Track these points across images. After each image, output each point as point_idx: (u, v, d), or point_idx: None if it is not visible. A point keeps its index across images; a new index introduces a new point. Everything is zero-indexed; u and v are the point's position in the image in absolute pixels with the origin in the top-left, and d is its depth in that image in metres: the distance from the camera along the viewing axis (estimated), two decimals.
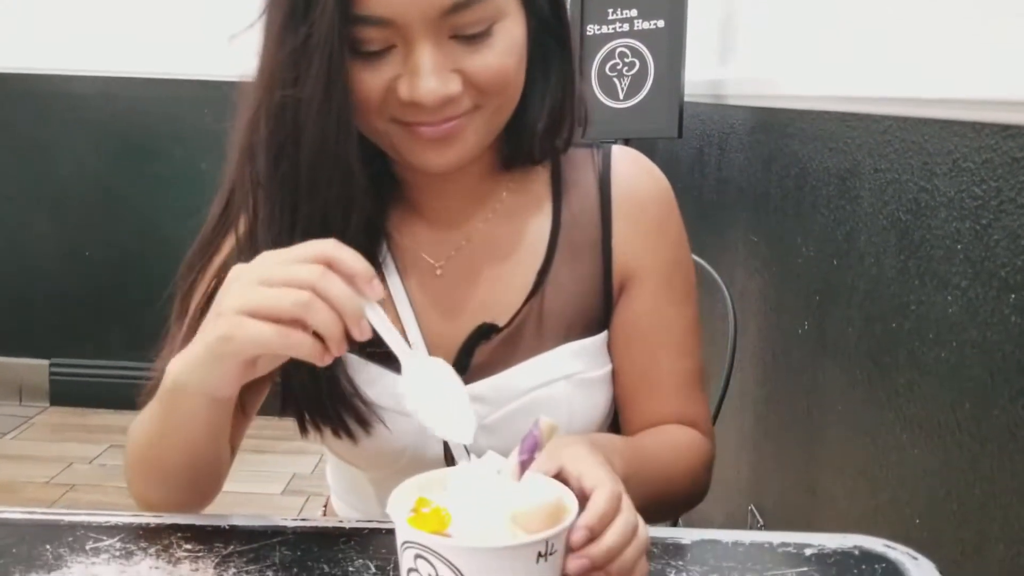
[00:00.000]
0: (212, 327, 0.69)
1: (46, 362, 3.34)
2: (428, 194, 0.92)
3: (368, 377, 0.88)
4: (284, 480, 2.79)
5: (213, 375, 0.71)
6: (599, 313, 0.94)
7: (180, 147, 3.15)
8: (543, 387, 0.89)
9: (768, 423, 1.61)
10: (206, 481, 0.85)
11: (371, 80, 0.78)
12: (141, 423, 0.85)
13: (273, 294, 0.66)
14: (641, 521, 0.67)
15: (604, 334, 0.94)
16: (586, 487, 0.65)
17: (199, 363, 0.71)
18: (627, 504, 0.66)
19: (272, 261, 0.68)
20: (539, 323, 0.91)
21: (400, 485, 0.65)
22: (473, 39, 0.78)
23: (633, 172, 0.96)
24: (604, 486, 0.64)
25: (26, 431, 3.20)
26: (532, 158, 0.92)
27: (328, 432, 0.88)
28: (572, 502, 0.64)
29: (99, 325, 3.29)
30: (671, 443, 0.94)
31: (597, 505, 0.63)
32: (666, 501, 0.91)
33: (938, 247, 0.92)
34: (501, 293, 0.92)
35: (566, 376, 0.90)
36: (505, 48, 0.79)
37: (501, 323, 0.90)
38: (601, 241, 0.93)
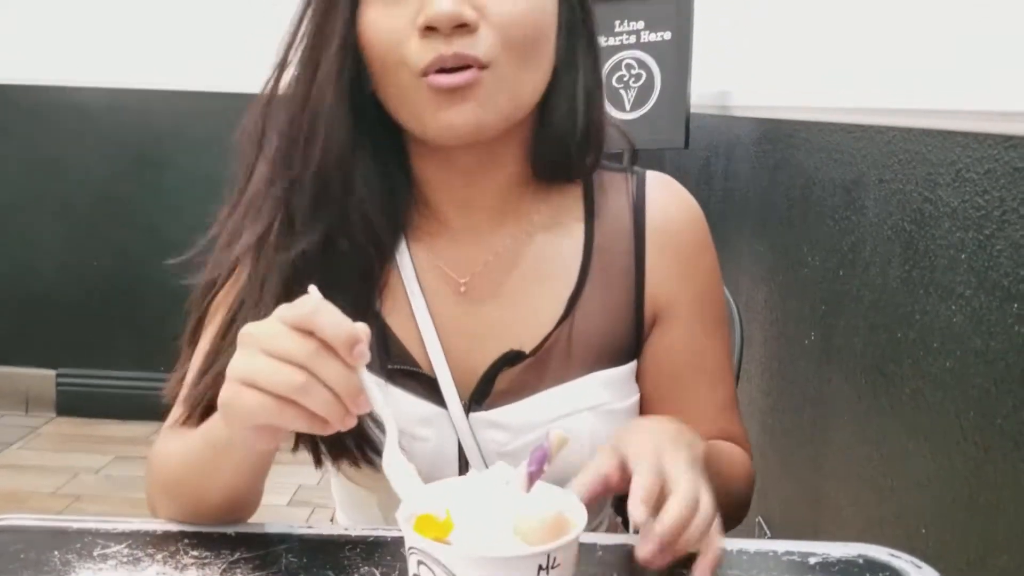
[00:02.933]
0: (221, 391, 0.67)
1: (53, 372, 3.35)
2: (454, 205, 0.89)
3: (394, 401, 0.84)
4: (290, 491, 2.79)
5: (241, 437, 0.68)
6: (628, 343, 0.90)
7: (187, 158, 3.16)
8: (566, 417, 0.85)
9: (774, 433, 1.61)
10: (241, 511, 0.82)
11: (389, 21, 0.77)
12: (176, 454, 0.82)
13: (269, 370, 0.63)
14: (706, 494, 0.67)
15: (632, 364, 0.90)
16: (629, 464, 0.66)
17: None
18: (682, 477, 0.66)
19: (270, 326, 0.65)
20: (567, 350, 0.87)
21: (410, 491, 0.65)
22: None
23: (667, 200, 0.93)
24: (642, 461, 0.65)
25: (32, 441, 3.21)
26: (563, 173, 0.90)
27: (345, 463, 0.85)
28: (580, 516, 0.63)
29: (106, 335, 3.30)
30: (728, 449, 0.92)
31: (639, 486, 0.64)
32: (729, 502, 0.87)
33: (942, 257, 0.92)
34: (528, 316, 0.88)
35: (591, 407, 0.86)
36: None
37: (528, 348, 0.86)
38: (634, 269, 0.90)
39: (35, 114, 3.19)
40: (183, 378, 0.90)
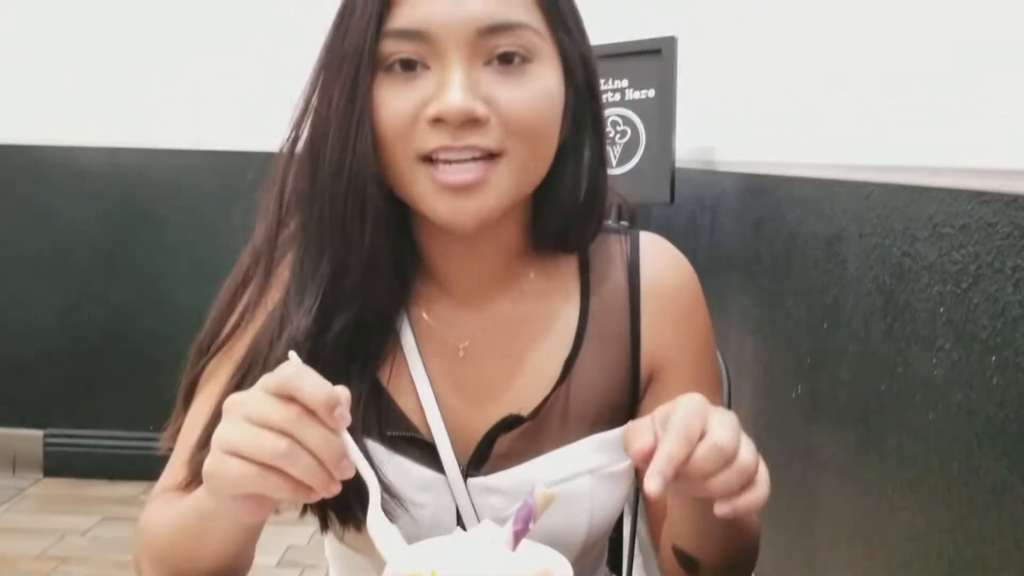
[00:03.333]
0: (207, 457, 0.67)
1: (40, 432, 3.33)
2: (453, 271, 0.89)
3: (393, 467, 0.85)
4: (279, 552, 2.76)
5: (226, 508, 0.68)
6: (625, 404, 0.91)
7: (182, 217, 3.18)
8: (566, 481, 0.86)
9: None
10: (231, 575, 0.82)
11: (399, 103, 0.77)
12: (166, 521, 0.82)
13: (252, 437, 0.63)
14: (748, 445, 0.68)
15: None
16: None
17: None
18: (713, 418, 0.67)
19: (252, 394, 0.65)
20: (564, 414, 0.88)
21: (399, 553, 0.65)
22: (506, 69, 0.77)
23: (661, 262, 0.94)
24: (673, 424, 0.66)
25: (19, 503, 3.17)
26: (563, 243, 0.90)
27: (351, 527, 0.84)
28: (564, 573, 0.64)
29: (95, 395, 3.29)
30: None
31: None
32: (735, 556, 0.88)
33: (922, 310, 0.93)
34: (526, 380, 0.89)
35: (590, 470, 0.87)
36: (539, 90, 0.79)
37: (525, 412, 0.87)
38: (629, 331, 0.91)
39: (32, 173, 3.21)
40: (177, 432, 0.90)
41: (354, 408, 0.69)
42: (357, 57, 0.77)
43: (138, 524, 0.86)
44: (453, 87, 0.75)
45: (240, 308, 0.89)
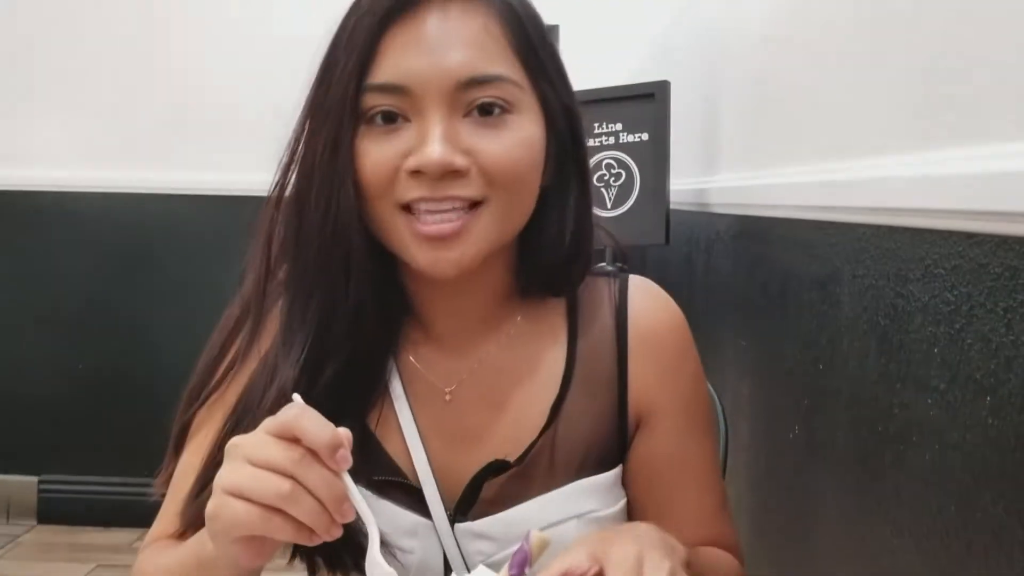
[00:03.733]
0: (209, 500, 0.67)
1: (35, 479, 3.30)
2: (440, 315, 0.90)
3: (380, 513, 0.84)
4: None
5: (226, 552, 0.68)
6: (613, 448, 0.91)
7: (176, 262, 3.18)
8: (553, 527, 0.85)
9: (764, 530, 1.59)
10: None
11: (380, 155, 0.78)
12: (162, 570, 0.82)
13: (255, 478, 0.63)
14: None
15: (618, 469, 0.91)
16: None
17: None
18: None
19: (255, 436, 0.66)
20: (551, 458, 0.88)
21: None
22: (486, 120, 0.78)
23: (650, 307, 0.94)
24: (620, 566, 0.65)
25: (13, 550, 3.14)
26: (550, 288, 0.91)
27: (339, 575, 0.85)
28: None
29: (90, 441, 3.27)
30: (716, 557, 0.91)
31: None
32: None
33: (916, 351, 0.93)
34: (513, 424, 0.89)
35: (577, 515, 0.87)
36: (518, 140, 0.80)
37: (512, 457, 0.87)
38: (617, 375, 0.91)
39: (26, 218, 3.22)
40: (169, 479, 0.89)
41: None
42: (340, 110, 0.78)
43: (131, 574, 0.86)
44: (432, 140, 0.76)
45: (231, 355, 0.89)
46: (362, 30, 0.78)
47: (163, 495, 0.91)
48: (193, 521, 0.81)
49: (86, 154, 3.17)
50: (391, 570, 0.68)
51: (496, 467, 0.86)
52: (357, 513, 0.71)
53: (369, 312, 0.83)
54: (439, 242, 0.78)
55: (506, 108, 0.79)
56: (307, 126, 0.82)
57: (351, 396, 0.85)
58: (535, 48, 0.82)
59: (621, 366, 0.91)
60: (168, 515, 0.88)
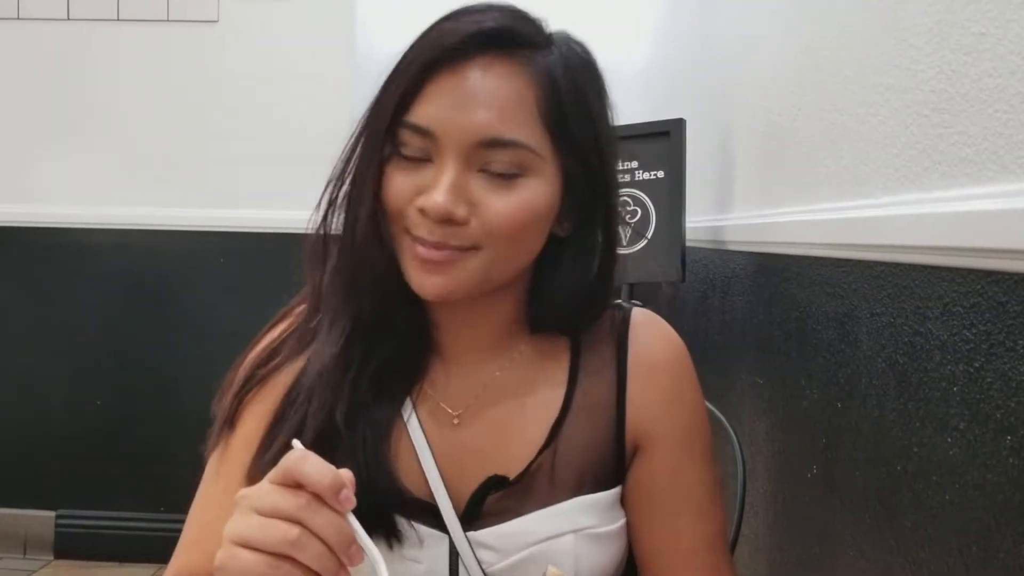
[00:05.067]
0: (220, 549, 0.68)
1: (52, 514, 3.31)
2: (448, 339, 0.95)
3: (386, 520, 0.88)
4: None
5: None
6: (611, 469, 0.94)
7: (194, 298, 3.20)
8: (550, 540, 0.89)
9: (782, 570, 1.58)
10: None
11: (401, 183, 0.85)
12: None
13: (262, 527, 0.64)
14: None
15: (617, 490, 0.94)
16: None
17: None
18: None
19: (260, 486, 0.67)
20: (551, 475, 0.91)
21: None
22: (496, 180, 0.83)
23: (650, 336, 0.97)
24: None
25: None
26: (558, 328, 0.96)
27: None
28: None
29: (107, 477, 3.27)
30: None
31: None
32: None
33: (935, 390, 0.93)
34: (514, 444, 0.93)
35: (574, 530, 0.90)
36: (523, 202, 0.84)
37: (512, 474, 0.91)
38: (615, 401, 0.94)
39: (42, 254, 3.24)
40: (221, 449, 0.93)
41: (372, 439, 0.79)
42: (377, 139, 0.85)
43: None
44: (440, 188, 0.82)
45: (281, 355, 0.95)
46: (412, 68, 0.84)
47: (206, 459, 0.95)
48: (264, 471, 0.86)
49: (105, 190, 3.21)
50: None
51: (496, 482, 0.90)
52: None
53: (401, 302, 0.89)
54: (429, 266, 0.84)
55: (519, 172, 0.84)
56: (351, 149, 0.89)
57: (376, 435, 0.90)
58: (568, 120, 0.86)
59: (620, 392, 0.95)
60: (187, 547, 0.91)
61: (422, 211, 0.82)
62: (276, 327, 0.99)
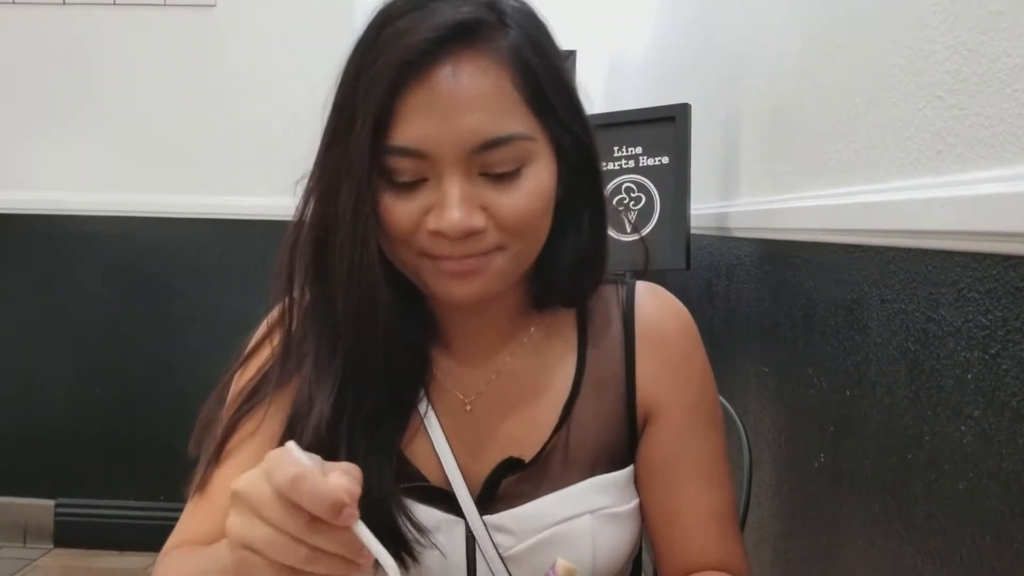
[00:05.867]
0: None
1: (51, 503, 3.30)
2: (459, 331, 0.94)
3: (412, 513, 0.88)
4: None
5: None
6: (624, 448, 0.94)
7: (194, 286, 3.19)
8: (567, 521, 0.89)
9: (788, 558, 1.57)
10: None
11: (402, 211, 0.80)
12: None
13: (270, 543, 0.62)
14: None
15: (630, 468, 0.94)
16: None
17: None
18: None
19: (260, 490, 0.63)
20: (565, 457, 0.91)
21: None
22: (501, 179, 0.80)
23: (656, 309, 0.97)
24: None
25: (29, 574, 3.13)
26: (563, 301, 0.95)
27: None
28: None
29: (107, 465, 3.26)
30: None
31: None
32: None
33: (948, 377, 0.91)
34: (528, 427, 0.92)
35: (591, 510, 0.90)
36: (532, 191, 0.82)
37: (527, 457, 0.91)
38: (625, 376, 0.94)
39: (43, 242, 3.23)
40: (201, 486, 0.90)
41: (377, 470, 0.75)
42: (361, 170, 0.79)
43: None
44: (451, 205, 0.78)
45: (262, 374, 0.92)
46: (376, 90, 0.78)
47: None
48: None
49: (104, 177, 3.19)
50: None
51: (511, 465, 0.90)
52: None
53: (398, 347, 0.86)
54: (461, 277, 0.82)
55: (520, 165, 0.82)
56: (326, 182, 0.83)
57: (388, 427, 0.89)
58: (547, 94, 0.83)
59: (629, 367, 0.94)
60: (198, 518, 0.89)
61: (438, 233, 0.79)
62: (251, 361, 0.94)
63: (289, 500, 0.61)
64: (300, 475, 0.60)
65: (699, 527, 0.93)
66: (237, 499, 0.64)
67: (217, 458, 0.90)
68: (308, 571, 0.62)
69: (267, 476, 0.63)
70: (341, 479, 0.61)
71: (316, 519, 0.61)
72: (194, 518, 0.90)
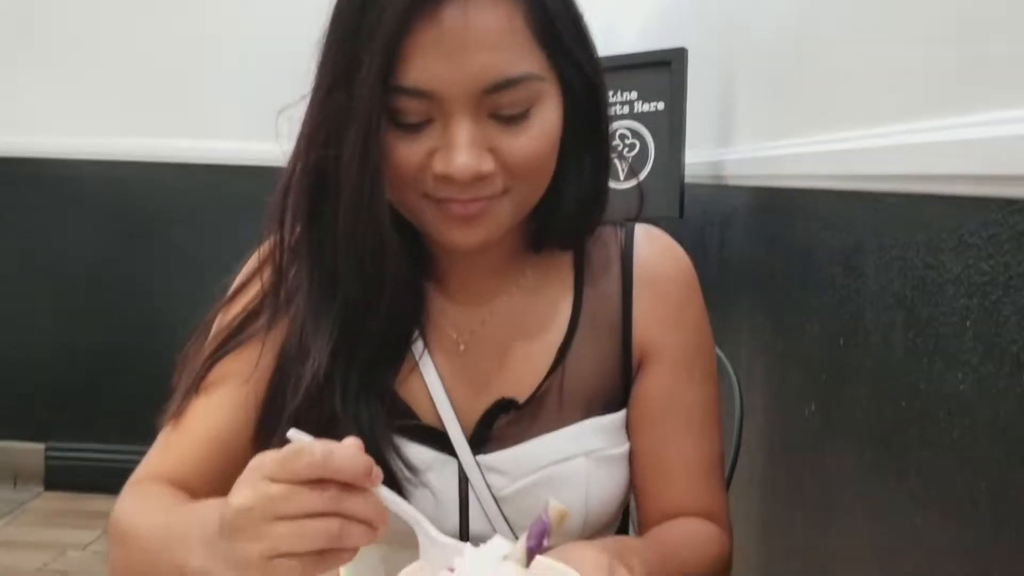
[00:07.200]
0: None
1: (41, 446, 3.30)
2: (455, 270, 0.93)
3: (403, 451, 0.88)
4: None
5: None
6: (619, 390, 0.94)
7: (181, 232, 3.16)
8: (562, 462, 0.89)
9: (777, 507, 1.57)
10: None
11: (407, 152, 0.79)
12: (148, 526, 0.80)
13: (300, 533, 0.62)
14: None
15: (624, 412, 0.94)
16: None
17: None
18: None
19: (270, 492, 0.63)
20: (559, 399, 0.91)
21: (407, 568, 0.64)
22: (510, 120, 0.79)
23: (655, 252, 0.97)
24: None
25: (20, 516, 3.15)
26: (561, 243, 0.94)
27: None
28: None
29: (96, 409, 3.26)
30: (689, 539, 0.92)
31: None
32: None
33: (946, 324, 0.90)
34: (522, 368, 0.92)
35: (585, 452, 0.90)
36: (540, 132, 0.80)
37: (521, 398, 0.90)
38: (621, 319, 0.94)
39: (28, 186, 3.19)
40: (176, 419, 0.91)
41: (369, 410, 0.78)
42: (369, 113, 0.77)
43: (114, 515, 0.85)
44: (459, 148, 0.77)
45: (248, 311, 0.92)
46: (383, 29, 0.75)
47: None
48: (209, 472, 0.87)
49: (90, 121, 3.15)
50: (456, 542, 0.68)
51: (505, 406, 0.90)
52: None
53: (401, 291, 0.85)
54: (465, 221, 0.81)
55: (529, 107, 0.80)
56: (328, 124, 0.80)
57: (383, 368, 0.89)
58: (558, 31, 0.81)
59: (626, 309, 0.94)
60: (168, 452, 0.89)
61: (445, 177, 0.78)
62: (240, 295, 0.94)
63: (315, 479, 0.61)
64: (330, 450, 0.62)
65: (686, 474, 0.93)
66: (240, 519, 0.63)
67: (196, 389, 0.89)
68: (339, 548, 0.62)
69: (278, 471, 0.62)
70: (353, 445, 0.63)
71: (344, 489, 0.62)
72: (166, 448, 0.90)
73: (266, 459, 0.63)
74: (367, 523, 0.63)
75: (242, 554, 0.63)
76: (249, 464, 0.64)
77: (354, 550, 0.64)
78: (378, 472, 0.63)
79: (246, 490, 0.63)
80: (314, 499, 0.61)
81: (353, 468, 0.62)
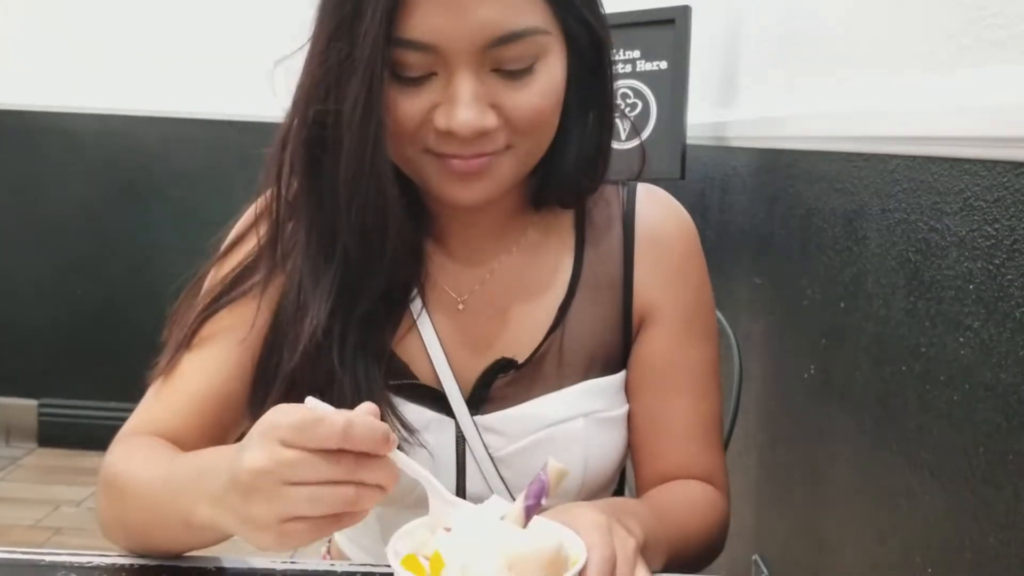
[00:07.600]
0: (251, 535, 0.65)
1: (35, 403, 3.30)
2: (455, 228, 0.92)
3: (401, 410, 0.88)
4: None
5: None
6: (619, 351, 0.93)
7: (175, 187, 3.14)
8: (561, 423, 0.88)
9: (773, 469, 1.58)
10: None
11: (409, 106, 0.77)
12: (141, 481, 0.80)
13: (316, 499, 0.61)
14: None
15: (623, 373, 0.93)
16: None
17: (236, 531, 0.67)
18: (624, 567, 0.64)
19: (282, 460, 0.62)
20: (559, 359, 0.90)
21: (404, 526, 0.64)
22: (514, 75, 0.77)
23: (657, 211, 0.95)
24: (594, 550, 0.63)
25: (13, 472, 3.15)
26: (562, 202, 0.92)
27: None
28: (580, 551, 0.61)
29: (90, 366, 3.26)
30: (687, 501, 0.91)
31: (588, 571, 0.62)
32: (682, 559, 0.88)
33: (949, 288, 0.89)
34: (522, 328, 0.91)
35: (584, 414, 0.89)
36: (544, 88, 0.79)
37: (521, 358, 0.89)
38: (622, 279, 0.93)
39: (22, 139, 3.17)
40: (168, 372, 0.89)
41: (366, 368, 0.77)
42: (371, 65, 0.75)
43: (105, 468, 0.84)
44: (463, 103, 0.76)
45: (242, 267, 0.90)
46: None
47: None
48: (199, 425, 0.85)
49: (84, 75, 3.11)
50: (469, 504, 0.68)
51: (503, 366, 0.89)
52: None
53: (401, 249, 0.84)
54: (467, 177, 0.80)
55: (534, 62, 0.79)
56: (329, 77, 0.78)
57: (381, 327, 0.88)
58: None
59: (627, 269, 0.93)
60: (158, 405, 0.88)
61: (447, 132, 0.77)
62: (235, 250, 0.92)
63: (332, 449, 0.61)
64: (350, 421, 0.61)
65: (684, 436, 0.93)
66: (259, 481, 0.62)
67: (188, 343, 0.88)
68: (353, 511, 0.62)
69: (296, 438, 0.61)
70: (370, 412, 0.63)
71: (359, 458, 0.61)
72: (158, 401, 0.89)
73: (281, 422, 0.61)
74: (380, 488, 0.63)
75: (256, 513, 0.63)
76: (259, 425, 0.63)
77: (365, 512, 0.63)
78: (394, 438, 0.63)
79: (259, 452, 0.62)
80: (333, 469, 0.61)
81: (372, 439, 0.61)
